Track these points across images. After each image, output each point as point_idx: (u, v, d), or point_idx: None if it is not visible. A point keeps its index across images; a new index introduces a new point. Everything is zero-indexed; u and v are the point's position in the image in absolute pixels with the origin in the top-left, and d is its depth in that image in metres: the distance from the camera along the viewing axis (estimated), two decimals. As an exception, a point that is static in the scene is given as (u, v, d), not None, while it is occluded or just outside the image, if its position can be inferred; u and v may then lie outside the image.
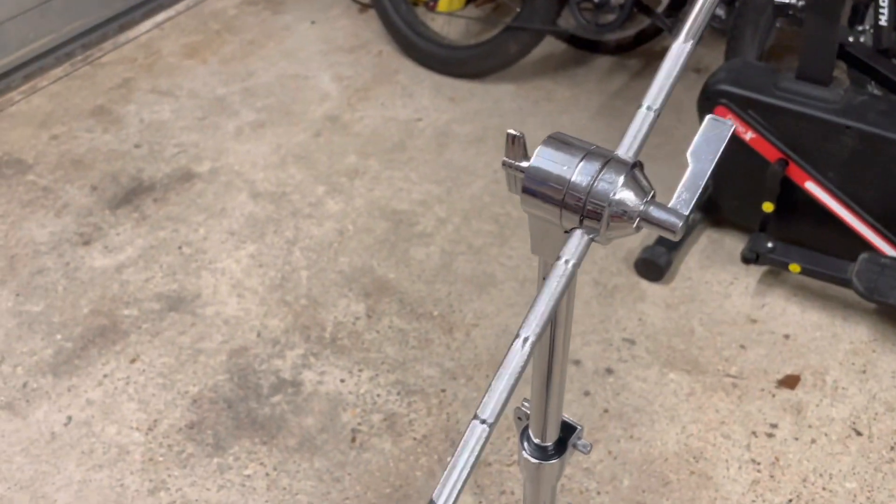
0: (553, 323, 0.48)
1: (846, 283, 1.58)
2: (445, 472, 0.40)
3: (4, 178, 2.05)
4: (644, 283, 1.75)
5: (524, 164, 0.41)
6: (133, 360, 1.63)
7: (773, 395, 1.53)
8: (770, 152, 1.59)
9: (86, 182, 2.03)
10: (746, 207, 1.69)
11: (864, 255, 1.56)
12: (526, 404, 0.55)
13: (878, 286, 1.52)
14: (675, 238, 0.41)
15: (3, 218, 1.94)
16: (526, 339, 0.38)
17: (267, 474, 1.44)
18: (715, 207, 1.79)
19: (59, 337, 1.67)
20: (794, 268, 1.63)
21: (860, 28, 1.76)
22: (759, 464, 1.43)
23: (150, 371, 1.60)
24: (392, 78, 2.35)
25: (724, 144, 0.40)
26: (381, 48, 2.46)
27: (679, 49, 0.41)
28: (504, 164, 0.42)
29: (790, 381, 1.56)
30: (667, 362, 1.60)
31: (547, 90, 2.30)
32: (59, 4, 2.38)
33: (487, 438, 0.36)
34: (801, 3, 1.60)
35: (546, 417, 0.54)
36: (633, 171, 0.40)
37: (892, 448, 1.45)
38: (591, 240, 0.41)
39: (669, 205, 0.40)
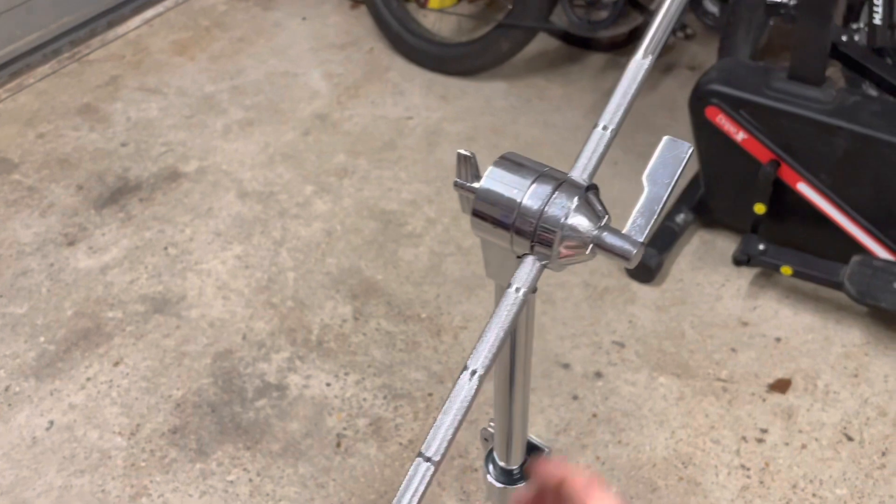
0: (512, 348, 0.46)
1: (838, 286, 1.56)
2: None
3: (-11, 178, 2.03)
4: (635, 285, 1.73)
5: (475, 185, 0.39)
6: (117, 363, 1.61)
7: (764, 400, 1.52)
8: (762, 153, 1.57)
9: (71, 181, 2.01)
10: (738, 209, 1.67)
11: (856, 258, 1.54)
12: (493, 424, 0.53)
13: (870, 289, 1.50)
14: (629, 266, 0.39)
15: (-13, 218, 1.92)
16: (474, 373, 0.36)
17: (250, 480, 1.42)
18: (706, 209, 1.77)
19: (42, 339, 1.65)
20: (786, 270, 1.61)
21: (855, 26, 1.74)
22: (748, 469, 1.42)
23: (134, 374, 1.59)
24: (383, 75, 2.33)
25: (682, 167, 0.37)
26: (373, 45, 2.43)
27: (637, 65, 0.39)
28: (455, 185, 0.40)
29: (781, 386, 1.54)
30: (657, 366, 1.58)
31: (539, 88, 2.28)
32: (46, 0, 2.36)
33: (433, 477, 0.34)
34: (793, 2, 1.58)
35: (510, 440, 0.52)
36: (588, 194, 0.38)
37: (883, 454, 1.43)
38: (544, 266, 0.38)
39: (624, 230, 0.38)
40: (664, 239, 1.75)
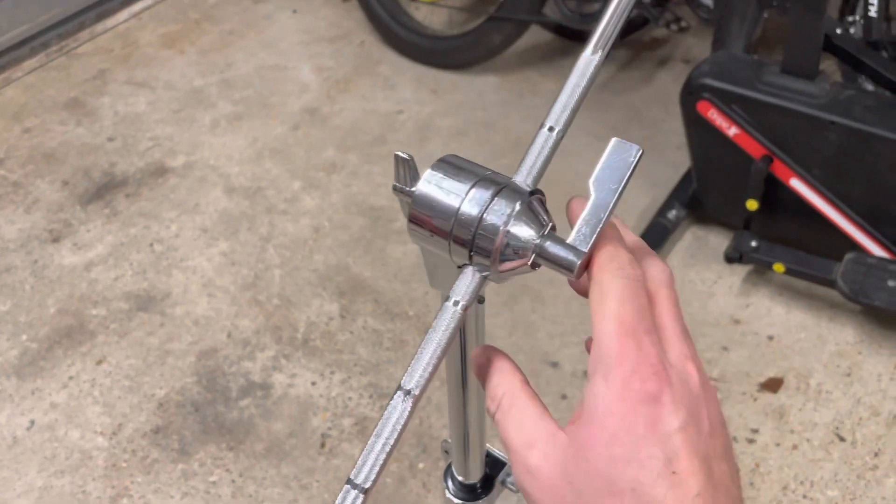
0: (462, 361, 0.44)
1: (831, 284, 1.54)
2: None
3: (-26, 173, 2.00)
4: (626, 282, 1.71)
5: (413, 189, 0.36)
6: (99, 362, 1.59)
7: (755, 399, 1.49)
8: (754, 148, 1.54)
9: (57, 177, 1.99)
10: (730, 205, 1.64)
11: (849, 255, 1.51)
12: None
13: (864, 287, 1.47)
14: (574, 279, 0.36)
15: (-29, 214, 1.90)
16: (408, 393, 0.33)
17: (233, 481, 1.40)
18: (698, 205, 1.74)
19: (24, 337, 1.63)
20: (779, 267, 1.58)
21: (850, 19, 1.71)
22: (738, 470, 1.39)
23: (117, 373, 1.56)
24: (374, 69, 2.30)
25: (631, 172, 0.35)
26: (364, 38, 2.40)
27: (586, 61, 0.37)
28: (394, 189, 0.38)
29: (773, 385, 1.51)
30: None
31: (532, 82, 2.25)
32: (33, -7, 2.33)
33: (362, 507, 0.32)
34: (786, -6, 1.55)
35: (467, 454, 0.49)
36: (531, 200, 0.36)
37: (876, 454, 1.41)
38: (484, 278, 0.36)
39: (568, 240, 0.36)
40: (656, 235, 1.72)
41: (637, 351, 0.34)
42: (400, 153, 0.36)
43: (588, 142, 2.04)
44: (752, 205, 1.58)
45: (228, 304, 1.68)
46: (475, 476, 0.52)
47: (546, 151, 0.37)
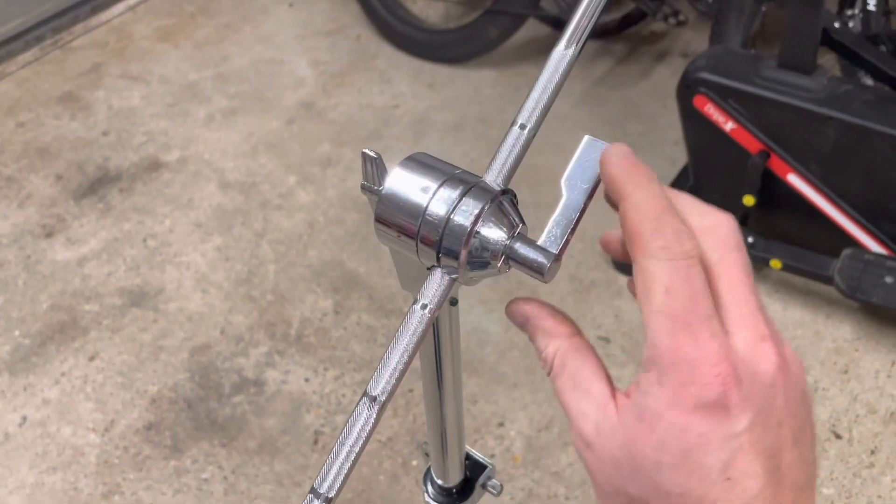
0: (437, 364, 0.43)
1: (828, 281, 1.52)
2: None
3: (-33, 168, 1.99)
4: (622, 279, 1.70)
5: (380, 188, 0.35)
6: (92, 358, 1.58)
7: (751, 397, 1.48)
8: (751, 143, 1.53)
9: (51, 171, 1.97)
10: (727, 201, 1.63)
11: (847, 252, 1.50)
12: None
13: (862, 284, 1.46)
14: (545, 281, 0.35)
15: (-36, 209, 1.89)
16: (374, 399, 0.32)
17: (225, 478, 1.40)
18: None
19: (17, 333, 1.62)
20: (776, 264, 1.57)
21: (849, 13, 1.69)
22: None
23: (109, 369, 1.56)
24: (370, 63, 2.28)
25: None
26: (360, 32, 2.39)
27: (559, 56, 0.35)
28: (362, 188, 0.36)
29: (769, 382, 1.50)
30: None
31: (529, 76, 2.23)
32: (28, -14, 2.32)
33: (327, 517, 0.31)
34: (784, -13, 1.53)
35: (445, 457, 0.48)
36: (500, 200, 0.35)
37: (872, 452, 1.40)
38: (454, 280, 0.35)
39: (539, 242, 0.34)
40: (652, 231, 1.71)
41: (694, 349, 0.30)
42: (367, 151, 0.35)
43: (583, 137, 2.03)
44: (748, 200, 1.57)
45: (222, 299, 1.67)
46: (455, 479, 0.51)
47: (517, 150, 0.36)
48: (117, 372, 1.55)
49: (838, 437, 1.42)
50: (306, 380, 1.53)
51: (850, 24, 1.67)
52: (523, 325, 0.37)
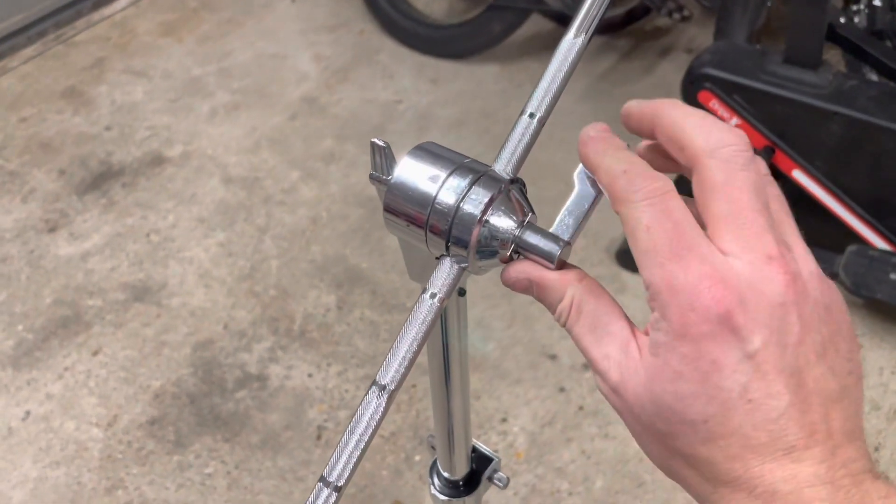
0: (445, 355, 0.43)
1: (833, 277, 1.52)
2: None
3: (-30, 162, 1.99)
4: (625, 274, 1.69)
5: (389, 178, 0.35)
6: (95, 353, 1.58)
7: (755, 393, 1.48)
8: (756, 139, 1.52)
9: (54, 166, 1.97)
10: (731, 196, 1.62)
11: (851, 248, 1.50)
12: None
13: (866, 280, 1.46)
14: (553, 268, 0.35)
15: (-33, 204, 1.89)
16: (384, 388, 0.32)
17: (228, 473, 1.40)
18: (700, 196, 1.72)
19: (20, 328, 1.62)
20: (780, 260, 1.56)
21: (855, 8, 1.68)
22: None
23: (113, 364, 1.56)
24: (373, 58, 2.28)
25: None
26: (363, 27, 2.38)
27: (569, 45, 0.35)
28: (371, 178, 0.36)
29: (773, 378, 1.50)
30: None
31: (532, 71, 2.23)
32: (30, -19, 2.31)
33: None
34: (790, -18, 1.52)
35: (452, 450, 0.48)
36: (510, 189, 0.34)
37: (876, 449, 1.40)
38: (463, 269, 0.35)
39: (551, 229, 0.34)
40: (656, 227, 1.71)
41: (686, 277, 0.30)
42: (376, 140, 0.35)
43: (588, 132, 2.03)
44: (753, 196, 1.56)
45: (225, 295, 1.67)
46: (461, 472, 0.51)
47: (527, 139, 0.35)
48: (120, 367, 1.55)
49: (842, 433, 1.42)
50: (309, 375, 1.53)
51: (856, 20, 1.66)
52: (527, 287, 0.36)
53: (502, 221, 0.34)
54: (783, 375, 0.31)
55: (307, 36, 2.37)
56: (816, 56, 1.44)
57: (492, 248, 0.34)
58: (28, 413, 1.48)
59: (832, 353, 0.32)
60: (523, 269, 0.35)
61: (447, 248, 0.35)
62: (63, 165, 1.97)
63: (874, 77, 1.64)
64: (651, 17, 2.33)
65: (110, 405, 1.49)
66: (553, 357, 1.55)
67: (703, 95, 1.53)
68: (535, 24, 2.30)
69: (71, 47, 2.34)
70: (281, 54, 2.30)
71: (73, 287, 1.69)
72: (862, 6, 1.67)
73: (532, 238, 0.34)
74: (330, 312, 1.64)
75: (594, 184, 0.34)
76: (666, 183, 0.32)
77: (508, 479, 0.52)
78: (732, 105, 1.51)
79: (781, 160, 1.52)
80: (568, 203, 0.34)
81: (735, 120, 1.52)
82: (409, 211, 0.34)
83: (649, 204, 0.32)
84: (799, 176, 1.52)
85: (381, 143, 0.35)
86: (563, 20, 2.33)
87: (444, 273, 0.35)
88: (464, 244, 0.34)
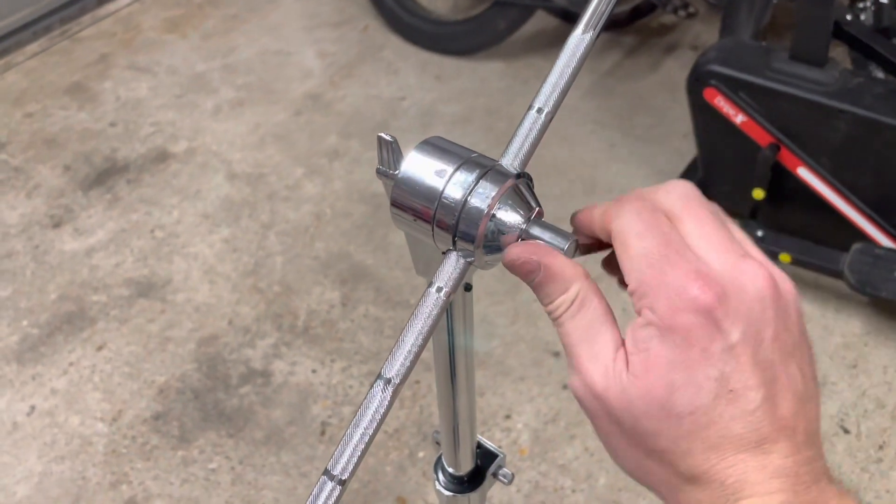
0: (451, 350, 0.43)
1: (838, 275, 1.52)
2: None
3: (-24, 158, 2.00)
4: (629, 272, 1.69)
5: (396, 172, 0.35)
6: (100, 348, 1.58)
7: (759, 391, 1.48)
8: (761, 136, 1.52)
9: (58, 162, 1.98)
10: (736, 193, 1.62)
11: (857, 246, 1.49)
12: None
13: (871, 279, 1.45)
14: (565, 257, 0.35)
15: (-28, 199, 1.89)
16: (389, 381, 0.32)
17: (232, 468, 1.40)
18: (704, 193, 1.72)
19: (25, 323, 1.63)
20: (785, 258, 1.56)
21: (861, 5, 1.68)
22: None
23: (117, 359, 1.56)
24: (377, 54, 2.28)
25: None
26: (368, 23, 2.38)
27: (577, 41, 0.35)
28: (378, 172, 0.36)
29: (777, 376, 1.50)
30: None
31: (537, 68, 2.22)
32: (36, -23, 2.32)
33: (339, 497, 0.31)
34: (796, -21, 1.52)
35: (457, 445, 0.48)
36: (517, 183, 0.34)
37: (880, 447, 1.39)
38: (469, 263, 0.35)
39: None
40: (660, 224, 1.70)
41: (674, 274, 0.33)
42: (383, 135, 0.35)
43: (592, 129, 2.02)
44: (758, 194, 1.56)
45: (229, 291, 1.67)
46: (466, 468, 0.51)
47: (534, 134, 0.35)
48: (125, 362, 1.55)
49: (846, 431, 1.42)
50: (313, 371, 1.53)
51: (862, 17, 1.66)
52: (534, 269, 0.35)
53: (509, 216, 0.34)
54: (759, 369, 0.32)
55: (311, 32, 2.37)
56: (822, 53, 1.43)
57: (498, 243, 0.34)
58: (33, 408, 1.49)
59: (799, 354, 0.34)
60: (535, 250, 0.35)
61: (454, 242, 0.35)
62: (68, 161, 1.98)
63: (880, 74, 1.63)
64: (657, 13, 2.33)
65: (115, 400, 1.50)
66: (556, 354, 1.55)
67: (708, 92, 1.53)
68: (540, 20, 2.29)
69: (76, 43, 2.34)
70: (285, 51, 2.30)
71: (78, 283, 1.70)
72: (868, 3, 1.66)
73: (539, 232, 0.34)
74: (334, 309, 1.64)
75: None
76: (654, 200, 0.35)
77: (513, 475, 0.52)
78: (738, 102, 1.51)
79: (787, 157, 1.51)
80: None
81: (741, 117, 1.52)
82: (415, 205, 0.34)
83: (639, 215, 0.34)
84: (804, 173, 1.52)
85: (388, 138, 0.35)
86: (568, 17, 2.33)
87: (450, 267, 0.35)
88: (470, 238, 0.34)
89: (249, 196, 1.88)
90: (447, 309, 0.40)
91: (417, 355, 0.33)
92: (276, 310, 1.64)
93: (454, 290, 0.34)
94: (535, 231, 0.35)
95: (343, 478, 0.31)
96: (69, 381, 1.53)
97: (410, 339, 0.33)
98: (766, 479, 0.32)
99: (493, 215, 0.34)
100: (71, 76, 2.22)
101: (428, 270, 0.37)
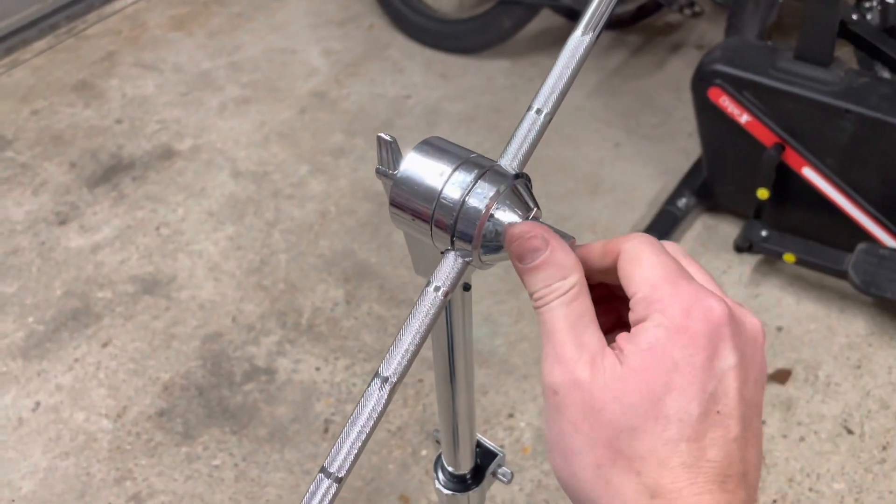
0: (450, 349, 0.43)
1: (842, 275, 1.51)
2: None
3: (-18, 155, 2.01)
4: (633, 271, 1.69)
5: (395, 172, 0.35)
6: (105, 345, 1.59)
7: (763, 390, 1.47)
8: (766, 136, 1.52)
9: (65, 159, 1.98)
10: (741, 193, 1.62)
11: (861, 246, 1.49)
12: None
13: (876, 279, 1.45)
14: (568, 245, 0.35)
15: (-21, 196, 1.90)
16: (386, 380, 0.32)
17: (236, 465, 1.40)
18: (709, 193, 1.72)
19: (31, 319, 1.64)
20: (789, 258, 1.56)
21: (867, 5, 1.67)
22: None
23: (122, 356, 1.57)
24: (382, 53, 2.28)
25: None
26: (373, 21, 2.38)
27: (576, 43, 0.35)
28: (377, 172, 0.36)
29: (781, 376, 1.50)
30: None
31: (542, 67, 2.22)
32: (43, -26, 2.32)
33: (336, 495, 0.31)
34: (802, -22, 1.51)
35: (457, 444, 0.48)
36: (515, 184, 0.35)
37: (884, 448, 1.39)
38: (467, 263, 0.35)
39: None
40: (665, 224, 1.70)
41: (689, 288, 0.34)
42: (383, 135, 0.35)
43: (598, 128, 2.02)
44: (762, 193, 1.56)
45: (234, 288, 1.68)
46: (465, 467, 0.51)
47: (533, 135, 0.36)
48: (130, 359, 1.56)
49: (850, 432, 1.41)
50: (317, 369, 1.54)
51: (868, 17, 1.65)
52: (538, 246, 0.35)
53: (507, 216, 0.34)
54: (743, 403, 0.33)
55: (317, 31, 2.37)
56: (828, 53, 1.43)
57: (496, 243, 0.35)
58: (38, 404, 1.50)
59: (759, 408, 0.35)
60: (542, 229, 0.35)
61: (452, 242, 0.35)
62: (74, 158, 1.98)
63: (886, 74, 1.63)
64: (662, 13, 2.32)
65: (119, 397, 1.50)
66: (560, 353, 1.55)
67: (713, 92, 1.53)
68: (545, 19, 2.29)
69: (82, 40, 2.35)
70: (291, 49, 2.31)
71: (84, 279, 1.70)
72: (874, 3, 1.66)
73: None
74: (338, 307, 1.64)
75: None
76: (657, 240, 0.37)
77: (512, 473, 0.52)
78: (743, 102, 1.50)
79: (791, 157, 1.51)
80: None
81: (745, 116, 1.52)
82: (414, 205, 0.35)
83: (653, 245, 0.36)
84: (809, 173, 1.51)
85: (387, 138, 0.35)
86: (574, 16, 2.32)
87: (448, 267, 0.35)
88: (469, 238, 0.34)
89: (254, 194, 1.88)
90: (446, 308, 0.40)
91: (415, 354, 0.33)
92: (281, 307, 1.64)
93: (452, 289, 0.35)
94: None
95: (340, 475, 0.31)
96: (74, 378, 1.53)
97: (408, 339, 0.34)
98: None
99: (492, 215, 0.34)
100: (77, 73, 2.23)
101: (427, 270, 0.37)
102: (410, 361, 0.33)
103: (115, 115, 2.10)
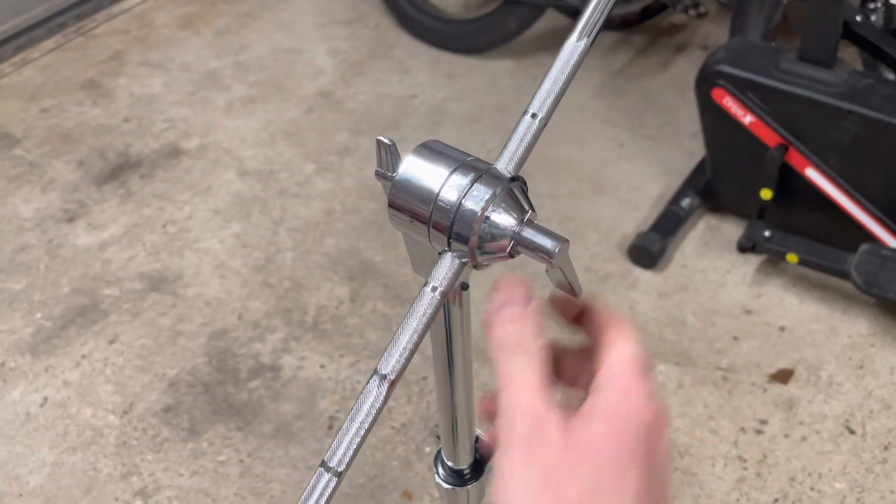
0: (448, 347, 0.44)
1: (845, 276, 1.52)
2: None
3: (-8, 153, 2.03)
4: (637, 270, 1.70)
5: (393, 174, 0.36)
6: (112, 341, 1.60)
7: (765, 390, 1.48)
8: (769, 137, 1.52)
9: (73, 157, 2.00)
10: (744, 194, 1.63)
11: (864, 247, 1.49)
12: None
13: (878, 280, 1.46)
14: (552, 266, 0.36)
15: (-12, 193, 1.92)
16: (384, 377, 0.33)
17: (241, 461, 1.42)
18: (712, 193, 1.73)
19: (39, 316, 1.65)
20: (792, 258, 1.56)
21: (871, 6, 1.67)
22: (745, 461, 1.39)
23: (129, 352, 1.58)
24: (388, 52, 2.29)
25: None
26: (379, 21, 2.39)
27: (571, 48, 0.36)
28: (377, 174, 0.37)
29: (783, 376, 1.50)
30: (656, 353, 1.55)
31: (547, 67, 2.22)
32: (51, -26, 2.34)
33: (335, 488, 0.32)
34: (806, -20, 1.52)
35: (456, 439, 0.50)
36: (511, 187, 0.36)
37: (885, 448, 1.40)
38: (464, 264, 0.36)
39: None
40: (668, 223, 1.71)
41: (645, 385, 0.39)
42: (382, 138, 0.36)
43: (602, 128, 2.03)
44: (766, 194, 1.57)
45: (240, 286, 1.69)
46: (465, 461, 0.53)
47: (528, 138, 0.37)
48: (136, 355, 1.58)
49: (852, 432, 1.42)
50: (322, 366, 1.55)
51: (872, 18, 1.66)
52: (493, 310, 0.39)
53: (503, 218, 0.35)
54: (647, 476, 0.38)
55: (323, 30, 2.38)
56: (831, 54, 1.43)
57: (492, 245, 0.36)
58: (46, 399, 1.51)
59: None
60: (507, 292, 0.40)
61: (449, 243, 0.36)
62: (82, 156, 2.00)
63: (890, 76, 1.63)
64: (667, 13, 2.33)
65: (126, 393, 1.52)
66: (563, 352, 1.56)
67: (716, 92, 1.53)
68: (551, 19, 2.30)
69: (91, 39, 2.37)
70: (297, 48, 2.32)
71: (91, 276, 1.72)
72: (878, 4, 1.66)
73: (532, 235, 0.35)
74: (343, 305, 1.65)
75: None
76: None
77: (512, 468, 0.53)
78: (746, 102, 1.51)
79: (795, 158, 1.52)
80: None
81: (749, 117, 1.52)
82: (412, 207, 0.36)
83: (637, 344, 0.42)
84: (812, 174, 1.52)
85: (386, 141, 0.36)
86: (578, 16, 2.33)
87: (445, 267, 0.36)
88: (465, 240, 0.35)
89: (260, 192, 1.90)
90: (445, 307, 0.41)
91: (413, 352, 0.35)
92: (286, 305, 1.65)
93: (449, 289, 0.36)
94: (528, 233, 0.36)
95: (339, 469, 0.32)
96: (82, 374, 1.55)
97: (405, 337, 0.35)
98: None
99: (487, 217, 0.35)
100: (86, 72, 2.25)
101: (426, 270, 0.38)
102: (408, 360, 0.34)
103: (122, 113, 2.12)
